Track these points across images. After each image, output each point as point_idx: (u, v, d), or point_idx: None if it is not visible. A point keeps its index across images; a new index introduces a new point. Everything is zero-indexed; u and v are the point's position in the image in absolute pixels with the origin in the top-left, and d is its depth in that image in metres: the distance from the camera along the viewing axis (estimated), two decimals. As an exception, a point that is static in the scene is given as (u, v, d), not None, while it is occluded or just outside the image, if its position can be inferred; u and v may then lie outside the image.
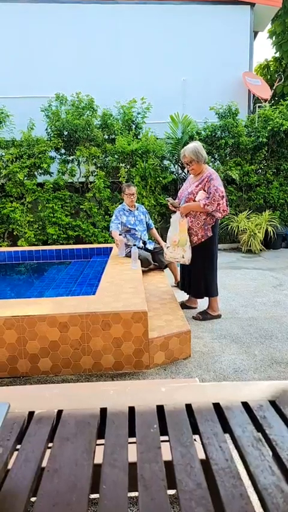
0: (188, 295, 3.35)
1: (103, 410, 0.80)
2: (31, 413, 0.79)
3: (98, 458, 0.67)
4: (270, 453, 0.67)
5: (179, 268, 4.16)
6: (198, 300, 3.36)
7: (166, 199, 3.35)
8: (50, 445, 0.71)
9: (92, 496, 0.65)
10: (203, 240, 2.95)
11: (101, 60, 7.06)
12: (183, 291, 3.33)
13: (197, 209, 2.88)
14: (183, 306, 3.34)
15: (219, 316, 3.17)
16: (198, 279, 3.05)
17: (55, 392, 0.91)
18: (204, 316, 3.15)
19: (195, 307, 3.36)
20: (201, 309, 3.25)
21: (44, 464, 0.66)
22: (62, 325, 2.25)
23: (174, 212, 3.11)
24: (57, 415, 0.79)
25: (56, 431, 0.74)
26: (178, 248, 2.95)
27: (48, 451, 0.69)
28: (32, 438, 0.71)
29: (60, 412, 0.80)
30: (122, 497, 0.57)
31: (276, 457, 0.66)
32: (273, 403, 0.82)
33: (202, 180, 2.91)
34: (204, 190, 2.87)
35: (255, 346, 2.64)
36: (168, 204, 3.13)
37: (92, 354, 2.30)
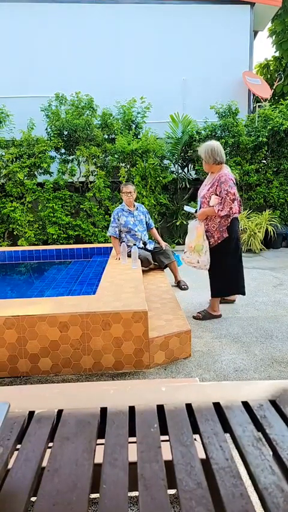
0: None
1: (103, 410, 0.80)
2: (31, 413, 0.79)
3: (98, 458, 0.67)
4: (271, 453, 0.67)
5: (179, 268, 4.17)
6: (200, 300, 3.34)
7: (185, 209, 3.44)
8: (50, 444, 0.71)
9: (92, 495, 0.65)
10: (219, 241, 3.00)
11: (101, 60, 7.05)
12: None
13: (212, 214, 2.94)
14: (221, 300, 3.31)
15: (219, 316, 3.18)
16: (214, 278, 3.11)
17: (55, 392, 0.91)
18: (204, 315, 3.16)
19: (233, 301, 3.47)
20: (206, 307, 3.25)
21: (44, 463, 0.66)
22: (62, 325, 2.25)
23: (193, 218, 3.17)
24: (57, 415, 0.79)
25: (56, 430, 0.74)
26: (194, 253, 3.03)
27: (48, 451, 0.69)
28: (32, 438, 0.71)
29: (60, 411, 0.80)
30: (122, 496, 0.57)
31: (277, 456, 0.66)
32: (273, 402, 0.82)
33: (213, 184, 2.95)
34: (217, 194, 2.91)
35: (255, 345, 2.64)
36: (194, 215, 3.19)
37: (92, 353, 2.30)
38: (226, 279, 3.09)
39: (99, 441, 0.72)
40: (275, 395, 0.84)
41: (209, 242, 3.01)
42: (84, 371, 2.32)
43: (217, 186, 2.89)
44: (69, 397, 0.87)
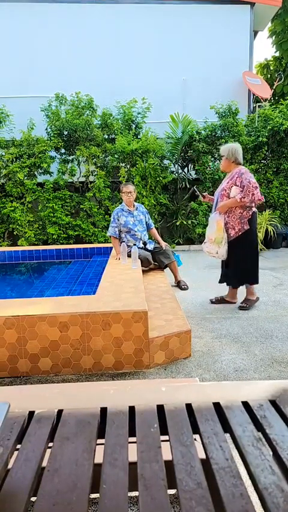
0: (228, 292, 3.50)
1: (103, 410, 0.80)
2: (31, 413, 0.79)
3: (98, 458, 0.67)
4: (271, 453, 0.67)
5: (179, 268, 4.17)
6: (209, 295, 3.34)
7: (194, 188, 3.62)
8: (51, 444, 0.71)
9: (92, 495, 0.65)
10: (240, 233, 3.14)
11: (101, 60, 7.05)
12: (224, 283, 3.48)
13: (235, 205, 3.06)
14: (221, 301, 3.49)
15: (257, 299, 3.40)
16: (239, 268, 3.23)
17: (55, 392, 0.91)
18: (248, 303, 3.33)
19: (235, 302, 3.47)
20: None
21: (44, 463, 0.66)
22: (62, 325, 2.25)
23: (199, 198, 3.38)
24: (57, 415, 0.78)
25: (56, 430, 0.74)
26: (214, 244, 3.17)
27: (48, 451, 0.69)
28: (32, 438, 0.71)
29: (60, 411, 0.80)
30: (122, 496, 0.57)
31: (277, 456, 0.66)
32: (273, 402, 0.82)
33: (232, 177, 3.11)
34: (236, 185, 3.05)
35: (255, 345, 2.64)
36: (201, 195, 3.43)
37: (92, 353, 2.30)
38: (246, 269, 3.23)
39: (99, 441, 0.72)
40: (275, 396, 0.84)
41: (230, 234, 3.16)
42: (84, 371, 2.32)
43: (237, 177, 3.04)
44: (69, 397, 0.87)
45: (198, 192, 3.51)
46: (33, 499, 0.59)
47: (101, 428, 0.75)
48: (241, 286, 3.41)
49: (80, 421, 0.76)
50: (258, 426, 0.74)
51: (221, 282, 3.48)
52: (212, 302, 3.51)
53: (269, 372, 2.28)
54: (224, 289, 3.62)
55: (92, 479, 0.62)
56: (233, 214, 3.12)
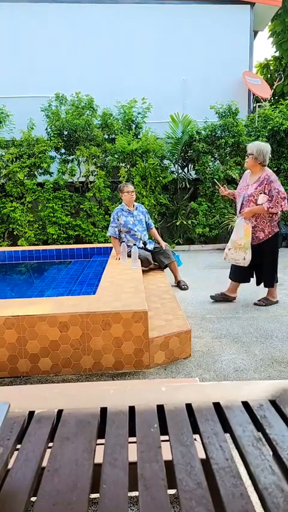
0: (233, 287, 3.56)
1: (103, 410, 0.80)
2: (31, 413, 0.79)
3: (98, 458, 0.67)
4: (271, 453, 0.67)
5: (179, 268, 4.17)
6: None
7: (218, 185, 3.67)
8: (50, 444, 0.71)
9: (92, 495, 0.65)
10: (270, 236, 3.21)
11: (101, 60, 7.05)
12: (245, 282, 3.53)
13: (261, 212, 3.12)
14: (221, 297, 3.54)
15: (277, 302, 3.45)
16: (270, 270, 3.31)
17: (55, 392, 0.91)
18: (267, 302, 3.42)
19: (234, 297, 3.56)
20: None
21: (44, 463, 0.66)
22: (62, 325, 2.25)
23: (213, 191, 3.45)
24: (57, 415, 0.78)
25: (56, 430, 0.74)
26: (240, 251, 3.16)
27: (48, 451, 0.69)
28: (32, 438, 0.71)
29: (60, 411, 0.80)
30: (122, 496, 0.57)
31: (277, 456, 0.66)
32: (273, 402, 0.82)
33: (261, 183, 3.11)
34: (264, 193, 3.08)
35: (255, 345, 2.64)
36: (221, 189, 3.49)
37: (92, 353, 2.30)
38: (276, 268, 3.35)
39: (99, 441, 0.72)
40: (275, 396, 0.84)
41: (259, 237, 3.21)
42: (84, 371, 2.32)
43: (266, 185, 3.07)
44: (69, 397, 0.87)
45: (219, 185, 3.62)
46: (33, 499, 0.59)
47: (101, 428, 0.75)
48: (272, 287, 3.45)
49: (80, 421, 0.76)
50: (258, 426, 0.74)
51: (238, 279, 3.50)
52: (212, 298, 3.56)
53: (269, 372, 2.28)
54: (223, 287, 3.62)
55: (92, 479, 0.62)
56: (263, 217, 3.16)
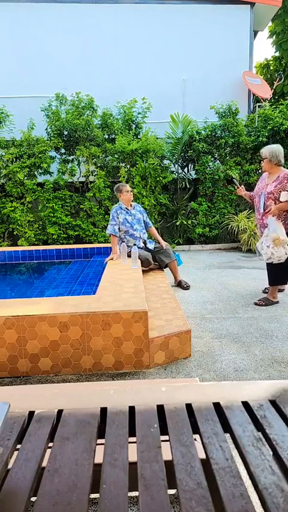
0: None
1: (103, 410, 0.80)
2: (31, 413, 0.79)
3: (98, 458, 0.67)
4: (271, 453, 0.67)
5: (178, 267, 4.17)
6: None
7: (236, 184, 3.74)
8: (51, 444, 0.71)
9: (92, 495, 0.65)
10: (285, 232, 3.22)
11: (101, 60, 7.05)
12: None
13: (286, 208, 3.17)
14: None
15: (277, 302, 3.49)
16: (280, 269, 3.32)
17: (55, 392, 0.91)
18: (267, 303, 3.45)
19: (277, 301, 3.55)
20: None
21: (44, 464, 0.66)
22: (62, 325, 2.25)
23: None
24: (57, 415, 0.78)
25: (56, 430, 0.74)
26: (280, 245, 3.15)
27: (48, 451, 0.69)
28: (32, 438, 0.71)
29: (60, 411, 0.80)
30: (122, 496, 0.57)
31: (277, 456, 0.66)
32: (273, 402, 0.82)
33: (280, 181, 3.19)
34: (286, 190, 3.16)
35: (255, 345, 2.64)
36: (237, 188, 3.63)
37: (92, 353, 2.30)
38: (286, 268, 3.31)
39: (99, 441, 0.72)
40: (275, 396, 0.84)
41: None
42: (84, 371, 2.32)
43: (286, 182, 3.15)
44: (69, 397, 0.87)
45: (237, 184, 3.66)
46: (33, 499, 0.59)
47: (101, 428, 0.75)
48: (281, 284, 3.50)
49: (80, 421, 0.76)
50: (258, 426, 0.74)
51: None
52: (265, 292, 3.72)
53: (269, 372, 2.28)
54: (223, 288, 3.62)
55: (92, 479, 0.62)
56: (278, 216, 3.23)
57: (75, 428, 0.74)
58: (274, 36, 10.71)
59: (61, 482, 0.60)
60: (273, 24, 10.42)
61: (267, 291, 3.76)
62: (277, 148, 3.27)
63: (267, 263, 3.36)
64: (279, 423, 0.74)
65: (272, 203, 3.21)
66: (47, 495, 0.57)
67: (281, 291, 3.78)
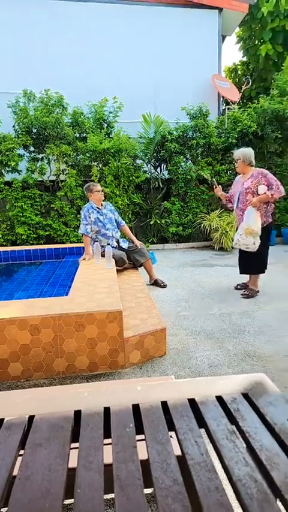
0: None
1: (77, 413, 0.78)
2: (0, 421, 0.75)
3: (73, 462, 0.65)
4: (244, 445, 0.68)
5: (153, 266, 4.18)
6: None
7: (214, 184, 3.96)
8: (22, 452, 0.68)
9: (67, 501, 0.63)
10: (265, 225, 3.48)
11: (71, 58, 6.93)
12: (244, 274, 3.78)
13: (266, 199, 3.41)
14: (245, 287, 3.80)
15: (258, 292, 3.70)
16: (259, 258, 3.54)
17: (26, 398, 0.88)
18: (251, 292, 3.66)
19: (258, 291, 3.73)
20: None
21: (15, 472, 0.63)
22: (33, 328, 2.18)
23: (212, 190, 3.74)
24: (28, 421, 0.76)
25: (27, 437, 0.71)
26: (250, 236, 3.40)
27: (20, 459, 0.66)
28: (1, 446, 0.68)
29: (32, 417, 0.77)
30: (98, 499, 0.55)
31: (250, 448, 0.67)
32: (245, 395, 0.83)
33: (256, 177, 3.45)
34: (262, 184, 3.42)
35: (228, 341, 2.71)
36: (215, 188, 3.84)
37: (66, 356, 2.25)
38: (265, 258, 3.58)
39: (74, 445, 0.70)
40: (247, 389, 0.85)
41: None
42: (57, 374, 2.27)
43: (261, 177, 3.43)
44: (41, 402, 0.84)
45: (215, 184, 3.93)
46: (4, 509, 0.56)
47: (75, 431, 0.73)
48: (261, 273, 3.68)
49: (53, 425, 0.74)
50: (232, 419, 0.75)
51: (243, 272, 3.74)
52: (237, 289, 3.85)
53: (242, 366, 2.34)
54: (197, 285, 3.68)
55: (66, 484, 0.60)
56: (260, 208, 3.45)
57: (48, 433, 0.72)
58: (241, 41, 11.03)
59: (33, 489, 0.58)
60: (240, 30, 10.73)
61: (239, 287, 3.89)
62: (248, 151, 3.56)
63: (239, 253, 3.58)
64: (251, 415, 0.76)
65: (250, 197, 3.45)
66: (18, 504, 0.55)
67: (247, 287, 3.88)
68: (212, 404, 0.79)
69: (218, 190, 3.85)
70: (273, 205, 3.59)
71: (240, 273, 3.76)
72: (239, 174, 3.69)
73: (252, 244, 3.42)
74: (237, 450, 0.65)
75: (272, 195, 3.40)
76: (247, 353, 2.52)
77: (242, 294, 3.69)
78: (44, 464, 0.63)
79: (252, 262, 3.60)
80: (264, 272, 3.65)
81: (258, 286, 3.73)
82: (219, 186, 3.90)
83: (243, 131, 6.30)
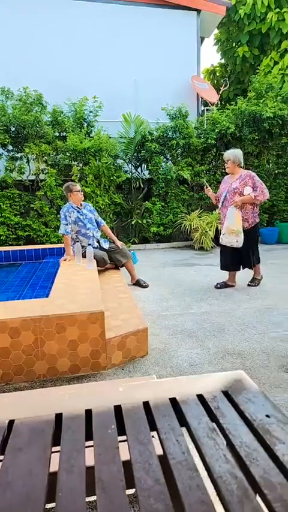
0: (231, 276, 4.05)
1: (58, 416, 0.77)
2: (-21, 427, 0.74)
3: (55, 466, 0.64)
4: (224, 442, 0.70)
5: (134, 266, 4.19)
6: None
7: (205, 185, 4.16)
8: (1, 457, 0.67)
9: (49, 505, 0.62)
10: (252, 225, 3.75)
11: (51, 57, 6.83)
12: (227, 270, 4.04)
13: (249, 201, 3.63)
14: (224, 285, 4.02)
15: (261, 278, 4.07)
16: (250, 254, 3.83)
17: (5, 402, 0.86)
18: (255, 282, 4.00)
19: (234, 286, 4.03)
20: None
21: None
22: (13, 331, 2.14)
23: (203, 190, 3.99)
24: (8, 426, 0.74)
25: (7, 442, 0.70)
26: (233, 235, 3.66)
27: (-1, 465, 0.65)
28: (-20, 453, 0.67)
29: (11, 422, 0.75)
30: (80, 503, 0.55)
31: (230, 445, 0.69)
32: (226, 393, 0.85)
33: (243, 178, 3.66)
34: (248, 186, 3.62)
35: (209, 339, 2.75)
36: (206, 188, 4.01)
37: (47, 358, 2.22)
38: (256, 253, 3.90)
39: (55, 449, 0.70)
40: (227, 386, 0.87)
41: (244, 226, 3.70)
42: (38, 377, 2.23)
43: (249, 179, 3.64)
44: (21, 406, 0.83)
45: (206, 185, 4.12)
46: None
47: (56, 435, 0.73)
48: (252, 268, 3.97)
49: (34, 429, 0.73)
50: (213, 417, 0.77)
51: (229, 268, 3.98)
52: (217, 287, 3.99)
53: (222, 364, 2.38)
54: (178, 285, 3.71)
55: (48, 489, 0.59)
56: (246, 210, 3.69)
57: (28, 437, 0.71)
58: (219, 43, 11.21)
59: (14, 495, 0.57)
60: (218, 32, 10.90)
61: (218, 286, 3.99)
62: (238, 152, 3.75)
63: (245, 251, 3.80)
64: (231, 412, 0.77)
65: (238, 197, 3.65)
66: (-3, 512, 0.54)
67: (231, 286, 4.02)
68: (193, 403, 0.81)
69: (209, 191, 4.00)
70: (258, 206, 3.80)
71: (230, 270, 3.99)
72: (228, 174, 3.86)
73: (235, 242, 3.68)
74: (217, 447, 0.66)
75: (255, 196, 3.60)
76: (227, 351, 2.57)
77: (249, 285, 3.99)
78: (25, 469, 0.62)
79: (248, 259, 3.86)
80: (259, 262, 3.95)
81: (260, 274, 4.06)
82: (209, 187, 4.07)
83: (222, 132, 6.41)
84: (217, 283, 4.05)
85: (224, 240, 3.75)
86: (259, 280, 4.06)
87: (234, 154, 3.71)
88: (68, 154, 5.91)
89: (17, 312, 2.23)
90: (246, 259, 3.87)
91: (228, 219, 3.69)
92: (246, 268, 3.99)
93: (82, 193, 3.97)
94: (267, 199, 3.79)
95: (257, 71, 8.34)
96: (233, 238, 3.67)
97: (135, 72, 7.28)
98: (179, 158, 6.64)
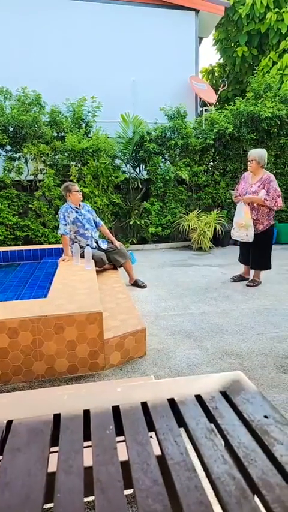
0: (246, 269, 4.18)
1: (57, 417, 0.77)
2: (-23, 427, 0.73)
3: (53, 467, 0.65)
4: (223, 442, 0.70)
5: (133, 266, 4.19)
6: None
7: (231, 192, 4.21)
8: (0, 458, 0.67)
9: (47, 505, 0.62)
10: (267, 227, 3.79)
11: (49, 57, 6.83)
12: (243, 264, 4.20)
13: (258, 201, 3.66)
14: (240, 278, 4.18)
15: (260, 282, 4.07)
16: (263, 256, 3.89)
17: (4, 402, 0.86)
18: (254, 283, 4.02)
19: (248, 278, 4.16)
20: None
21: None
22: (12, 331, 2.14)
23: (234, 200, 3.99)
24: (6, 426, 0.74)
25: (5, 442, 0.70)
26: (242, 229, 3.75)
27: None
28: (-22, 454, 0.67)
29: (10, 422, 0.75)
30: (78, 503, 0.55)
31: (228, 445, 0.69)
32: (224, 393, 0.85)
33: (262, 182, 3.69)
34: (264, 189, 3.67)
35: (207, 340, 2.75)
36: (233, 196, 3.98)
37: (45, 358, 2.22)
38: (270, 257, 3.92)
39: (54, 449, 0.70)
40: (225, 387, 0.87)
41: (258, 228, 3.76)
42: (36, 377, 2.23)
43: (266, 183, 3.66)
44: (20, 406, 0.83)
45: (235, 194, 4.05)
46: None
47: (54, 435, 0.73)
48: (264, 270, 4.01)
49: (32, 430, 0.73)
50: (211, 418, 0.77)
51: (245, 263, 4.10)
52: (233, 280, 4.18)
53: (220, 365, 2.39)
54: (176, 285, 3.72)
55: (46, 489, 0.59)
56: (261, 212, 3.73)
57: (27, 438, 0.71)
58: (218, 43, 11.23)
59: (12, 496, 0.57)
60: (217, 32, 10.92)
61: (235, 279, 4.19)
62: (264, 153, 3.72)
63: (256, 252, 3.89)
64: (229, 413, 0.77)
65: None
66: (-4, 513, 0.54)
67: (246, 279, 4.19)
68: (191, 404, 0.81)
69: (237, 199, 3.91)
70: (274, 210, 3.79)
71: (242, 262, 4.13)
72: (247, 172, 3.88)
73: (245, 235, 3.76)
74: (216, 448, 0.66)
75: (264, 199, 3.64)
76: (225, 351, 2.57)
77: (247, 285, 4.00)
78: (23, 469, 0.63)
79: (259, 260, 3.93)
80: (270, 268, 3.96)
81: (261, 278, 4.08)
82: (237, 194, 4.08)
83: (220, 132, 6.41)
84: (233, 276, 4.22)
85: (235, 234, 3.86)
86: (258, 282, 4.07)
87: (259, 154, 3.69)
88: (66, 154, 5.90)
89: (16, 312, 2.22)
90: (253, 258, 3.93)
91: (237, 214, 3.81)
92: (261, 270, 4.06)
93: (81, 193, 3.97)
94: (280, 207, 3.69)
95: (255, 71, 8.35)
96: (243, 232, 3.75)
97: (133, 72, 7.28)
98: (177, 158, 6.64)
